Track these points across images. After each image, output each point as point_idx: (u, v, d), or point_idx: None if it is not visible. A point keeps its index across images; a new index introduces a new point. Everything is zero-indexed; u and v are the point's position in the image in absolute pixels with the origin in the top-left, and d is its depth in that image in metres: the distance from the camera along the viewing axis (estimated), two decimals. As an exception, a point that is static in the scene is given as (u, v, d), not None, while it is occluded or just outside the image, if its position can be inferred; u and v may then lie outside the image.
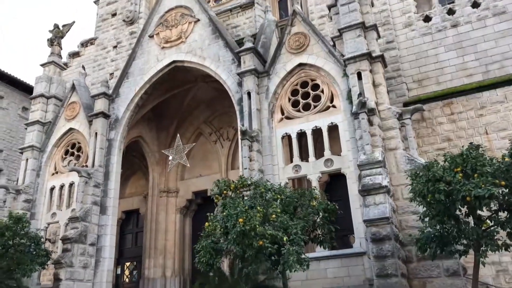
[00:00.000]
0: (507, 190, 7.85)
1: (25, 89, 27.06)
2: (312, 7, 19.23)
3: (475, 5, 15.67)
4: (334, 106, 13.51)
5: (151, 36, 17.73)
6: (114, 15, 25.11)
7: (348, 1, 14.00)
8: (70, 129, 17.49)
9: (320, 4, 19.04)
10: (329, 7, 14.99)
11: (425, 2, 17.20)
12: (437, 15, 16.25)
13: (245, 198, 9.50)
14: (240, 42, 17.09)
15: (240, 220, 8.08)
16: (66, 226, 15.74)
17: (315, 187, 12.12)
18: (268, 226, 8.35)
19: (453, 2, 16.33)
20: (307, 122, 13.64)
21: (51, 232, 17.37)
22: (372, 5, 14.81)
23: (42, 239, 14.30)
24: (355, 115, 12.29)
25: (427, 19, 16.44)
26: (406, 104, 15.20)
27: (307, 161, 13.27)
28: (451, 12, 16.07)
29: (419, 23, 16.51)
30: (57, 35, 20.33)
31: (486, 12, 15.32)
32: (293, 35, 14.85)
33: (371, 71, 13.03)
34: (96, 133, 16.48)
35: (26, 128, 18.48)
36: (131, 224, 20.75)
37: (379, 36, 14.19)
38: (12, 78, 26.09)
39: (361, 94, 12.45)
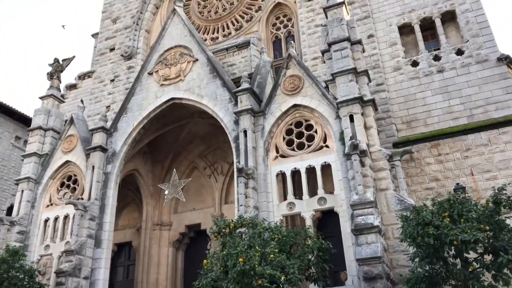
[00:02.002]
0: (491, 233, 8.36)
1: (19, 118, 27.33)
2: (306, 49, 20.14)
3: (459, 52, 16.69)
4: (327, 146, 14.07)
5: (150, 73, 18.32)
6: (112, 49, 25.84)
7: (341, 47, 14.82)
8: (67, 161, 17.72)
9: (313, 46, 19.97)
10: (323, 52, 15.78)
11: (413, 47, 18.23)
12: (424, 60, 17.21)
13: (244, 237, 9.83)
14: (236, 81, 17.77)
15: (240, 259, 8.40)
16: (59, 258, 15.76)
17: (309, 226, 12.50)
18: (266, 266, 8.68)
19: (438, 49, 17.36)
20: (301, 161, 14.14)
21: (41, 264, 17.29)
22: (363, 51, 15.65)
23: (36, 272, 14.29)
24: (347, 156, 12.84)
25: (414, 64, 17.38)
26: (395, 145, 15.89)
27: (301, 198, 13.69)
28: (437, 58, 17.05)
29: (407, 67, 17.43)
30: (57, 69, 20.84)
31: (470, 60, 16.31)
32: (288, 77, 15.54)
33: (362, 114, 13.68)
34: (93, 167, 16.75)
35: (22, 160, 18.64)
36: (123, 256, 20.70)
37: (370, 81, 14.97)
38: (7, 107, 26.35)
39: (353, 136, 13.05)
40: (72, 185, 17.45)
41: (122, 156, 17.29)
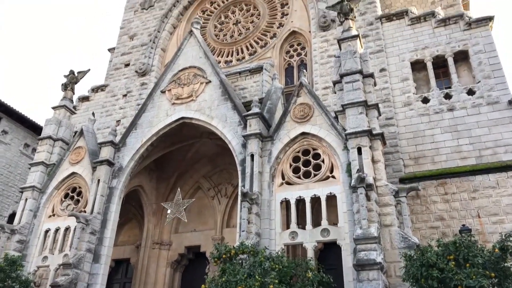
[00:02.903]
0: (496, 281, 8.21)
1: (30, 126, 27.62)
2: (317, 78, 20.33)
3: (471, 92, 16.75)
4: (333, 177, 14.02)
5: (163, 92, 18.53)
6: (127, 65, 26.26)
7: (353, 79, 14.95)
8: (73, 173, 17.79)
9: (325, 76, 20.16)
10: (334, 83, 15.90)
11: (424, 84, 18.33)
12: (435, 98, 17.27)
13: (244, 265, 9.72)
14: (247, 105, 17.90)
15: (239, 288, 8.31)
16: (56, 271, 15.63)
17: (311, 258, 12.34)
18: (265, 296, 8.56)
19: (450, 88, 17.44)
20: (306, 190, 14.08)
21: (38, 275, 17.14)
22: (375, 84, 15.74)
23: (31, 284, 14.17)
24: (353, 188, 12.77)
25: (425, 100, 17.45)
26: (402, 180, 15.80)
27: (304, 228, 13.56)
28: (448, 96, 17.11)
29: (418, 103, 17.49)
30: (72, 80, 21.16)
31: (481, 100, 16.35)
32: (298, 105, 15.64)
33: (371, 147, 13.68)
34: (98, 180, 16.78)
35: (29, 168, 18.73)
36: (120, 273, 20.49)
37: (379, 114, 14.99)
38: (19, 115, 26.65)
39: (360, 169, 13.01)
40: (76, 197, 17.46)
41: (128, 171, 17.33)
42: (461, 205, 14.71)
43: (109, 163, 17.22)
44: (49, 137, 18.97)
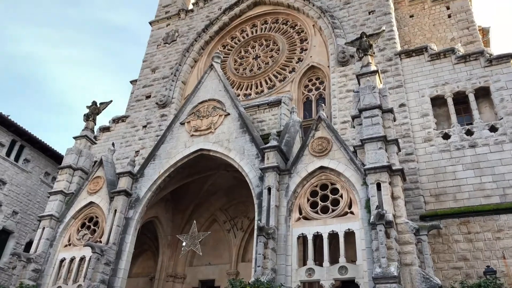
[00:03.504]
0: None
1: (51, 155, 28.18)
2: (336, 112, 20.33)
3: (493, 129, 16.44)
4: (352, 213, 13.72)
5: (182, 123, 18.75)
6: (148, 97, 26.85)
7: (372, 114, 14.87)
8: (91, 202, 17.89)
9: (343, 110, 20.15)
10: (353, 117, 15.83)
11: (445, 120, 18.11)
12: (456, 134, 17.00)
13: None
14: (264, 137, 17.95)
15: (254, 327, 8.02)
16: (69, 302, 15.47)
17: (328, 296, 11.93)
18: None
19: (471, 124, 17.17)
20: (324, 225, 13.78)
21: (49, 305, 16.98)
22: (394, 119, 15.62)
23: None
24: (372, 225, 12.45)
25: (446, 136, 17.18)
26: (422, 217, 15.38)
27: (321, 265, 13.18)
28: (469, 133, 16.82)
29: (438, 139, 17.23)
30: (94, 111, 21.63)
31: (504, 137, 16.01)
32: (317, 139, 15.56)
33: (390, 183, 13.41)
34: (115, 210, 16.82)
35: (48, 197, 18.93)
36: (133, 306, 20.18)
37: (399, 150, 14.79)
38: (42, 144, 27.29)
39: (379, 205, 12.72)
40: (92, 227, 17.48)
41: (145, 202, 17.35)
42: (485, 245, 14.15)
43: (127, 193, 17.29)
44: (69, 166, 19.24)
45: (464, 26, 23.40)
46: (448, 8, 24.64)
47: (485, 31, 25.31)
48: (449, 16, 24.26)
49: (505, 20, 71.04)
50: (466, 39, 22.66)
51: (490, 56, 18.20)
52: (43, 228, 17.57)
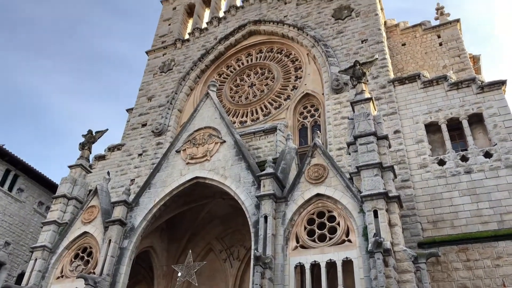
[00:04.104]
0: None
1: (45, 184, 27.93)
2: (331, 139, 20.41)
3: (488, 155, 16.53)
4: (349, 241, 13.57)
5: (178, 151, 18.72)
6: (144, 125, 26.91)
7: (367, 141, 14.94)
8: (85, 232, 17.61)
9: (338, 137, 20.24)
10: (348, 144, 15.90)
11: (439, 146, 18.21)
12: (451, 160, 17.06)
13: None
14: (260, 165, 17.90)
15: None
16: (60, 337, 15.01)
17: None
18: None
19: (466, 150, 17.27)
20: (321, 254, 13.60)
21: None
22: (390, 146, 15.69)
23: None
24: (370, 253, 12.30)
25: (441, 162, 17.23)
26: (420, 245, 15.24)
27: (319, 295, 12.95)
28: (464, 159, 16.90)
29: (434, 165, 17.27)
30: (89, 140, 21.61)
31: (499, 163, 16.08)
32: (313, 166, 15.56)
33: (387, 210, 13.35)
34: (110, 240, 16.54)
35: (41, 227, 18.64)
36: None
37: (395, 176, 14.79)
38: (36, 173, 27.10)
39: (377, 233, 12.60)
40: (86, 258, 17.14)
41: (140, 231, 17.10)
42: (485, 272, 13.98)
43: (121, 223, 17.06)
44: (64, 196, 19.04)
45: (455, 54, 23.87)
46: (439, 36, 25.20)
47: (475, 59, 25.80)
48: (440, 44, 24.78)
49: (495, 47, 72.68)
50: (457, 66, 23.08)
51: (481, 83, 18.50)
52: (35, 259, 17.23)
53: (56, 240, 17.95)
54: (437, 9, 27.00)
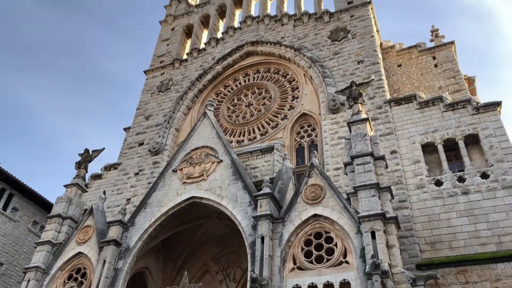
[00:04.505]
0: None
1: (40, 203, 27.71)
2: (328, 159, 20.41)
3: (484, 176, 16.54)
4: (347, 262, 13.42)
5: (174, 171, 18.66)
6: (141, 144, 26.86)
7: (364, 161, 14.94)
8: (79, 253, 17.36)
9: (335, 157, 20.24)
10: (345, 164, 15.90)
11: (436, 167, 18.22)
12: (448, 181, 17.06)
13: None
14: (257, 184, 17.83)
15: None
16: None
17: None
18: None
19: (462, 171, 17.29)
20: (319, 276, 13.43)
21: None
22: (387, 167, 15.70)
23: None
24: (368, 275, 12.16)
25: (438, 183, 17.22)
26: (418, 266, 15.09)
27: (317, 318, 12.73)
28: (461, 179, 16.90)
29: (431, 186, 17.25)
30: (86, 159, 21.51)
31: (495, 184, 16.08)
32: (310, 186, 15.50)
33: (385, 231, 13.26)
34: (104, 261, 16.30)
35: (35, 247, 18.37)
36: None
37: (392, 197, 14.74)
38: (31, 192, 26.89)
39: (374, 254, 12.49)
40: (80, 279, 16.83)
41: (135, 252, 16.88)
42: (485, 295, 13.81)
43: (116, 243, 16.86)
44: (59, 215, 18.83)
45: (450, 75, 24.15)
46: (434, 58, 25.54)
47: (470, 80, 26.08)
48: (436, 65, 25.08)
49: (489, 68, 73.64)
50: (453, 87, 23.32)
51: (477, 104, 18.65)
52: (28, 280, 16.92)
53: (49, 260, 17.67)
54: (432, 31, 27.43)
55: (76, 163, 21.41)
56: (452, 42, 25.58)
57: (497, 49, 75.94)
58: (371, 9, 26.87)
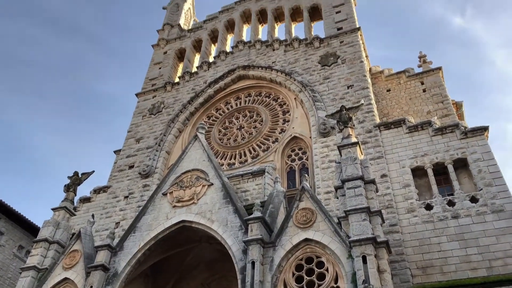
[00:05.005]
0: None
1: (27, 227, 27.13)
2: (319, 182, 20.42)
3: (474, 200, 16.64)
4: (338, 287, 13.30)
5: (164, 194, 18.51)
6: (131, 167, 26.67)
7: (354, 185, 14.98)
8: (65, 279, 16.95)
9: (326, 180, 20.27)
10: (336, 188, 15.91)
11: (426, 190, 18.31)
12: (438, 204, 17.12)
13: None
14: (248, 208, 17.72)
15: None
16: None
17: None
18: None
19: (452, 195, 17.37)
20: (310, 302, 13.25)
21: None
22: (377, 190, 15.73)
23: None
24: (360, 301, 12.03)
25: (428, 207, 17.27)
26: (410, 292, 14.95)
27: None
28: (451, 203, 16.97)
29: (421, 210, 17.28)
30: (75, 182, 21.25)
31: (485, 208, 16.16)
32: (301, 209, 15.45)
33: (376, 256, 13.18)
34: (91, 287, 15.93)
35: (20, 273, 17.92)
36: None
37: (383, 221, 14.73)
38: (18, 216, 26.37)
39: (366, 279, 12.38)
40: (65, 306, 16.43)
41: (123, 277, 16.54)
42: (477, 321, 13.70)
43: (104, 268, 16.52)
44: (45, 240, 18.45)
45: (438, 100, 24.55)
46: (422, 83, 26.00)
47: (458, 105, 26.53)
48: (424, 90, 25.52)
49: (476, 94, 75.08)
50: (441, 112, 23.67)
51: (465, 129, 18.92)
52: (12, 307, 16.43)
53: (34, 287, 17.21)
54: (420, 57, 28.01)
55: (65, 186, 21.13)
56: (440, 68, 26.12)
57: (483, 75, 77.68)
58: (360, 35, 27.43)
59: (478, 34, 79.13)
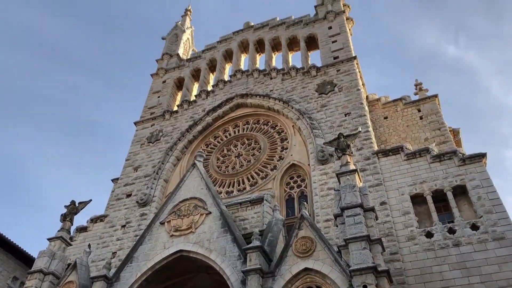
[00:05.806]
0: None
1: (21, 257, 26.64)
2: (318, 210, 20.27)
3: (474, 227, 16.49)
4: (339, 319, 12.98)
5: (162, 223, 18.31)
6: (129, 195, 26.48)
7: (354, 213, 14.85)
8: (60, 311, 16.57)
9: (325, 208, 20.12)
10: (335, 216, 15.77)
11: (426, 218, 18.16)
12: (439, 232, 16.95)
13: None
14: (247, 236, 17.49)
15: None
16: None
17: None
18: None
19: (452, 222, 17.23)
20: (310, 334, 12.91)
21: None
22: (377, 218, 15.60)
23: None
24: (362, 333, 11.73)
25: (429, 235, 17.08)
26: (413, 323, 14.60)
27: None
28: (451, 231, 16.81)
29: (422, 238, 17.10)
30: (72, 211, 21.02)
31: (486, 236, 16.00)
32: (300, 238, 15.26)
33: (377, 285, 12.93)
34: (85, 320, 15.54)
35: (13, 305, 17.50)
36: None
37: (383, 250, 14.54)
38: (13, 246, 25.93)
39: (368, 311, 12.12)
40: None
41: (119, 309, 16.17)
42: None
43: (100, 300, 16.15)
44: (40, 271, 18.07)
45: (435, 127, 24.70)
46: (419, 110, 26.21)
47: (455, 132, 26.67)
48: (421, 117, 25.70)
49: (473, 121, 75.69)
50: (439, 139, 23.76)
51: (463, 156, 18.96)
52: None
53: (27, 320, 16.78)
54: (416, 85, 28.36)
55: (62, 215, 20.88)
56: (436, 95, 26.39)
57: (478, 102, 78.54)
58: (357, 63, 27.85)
59: (472, 62, 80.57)
